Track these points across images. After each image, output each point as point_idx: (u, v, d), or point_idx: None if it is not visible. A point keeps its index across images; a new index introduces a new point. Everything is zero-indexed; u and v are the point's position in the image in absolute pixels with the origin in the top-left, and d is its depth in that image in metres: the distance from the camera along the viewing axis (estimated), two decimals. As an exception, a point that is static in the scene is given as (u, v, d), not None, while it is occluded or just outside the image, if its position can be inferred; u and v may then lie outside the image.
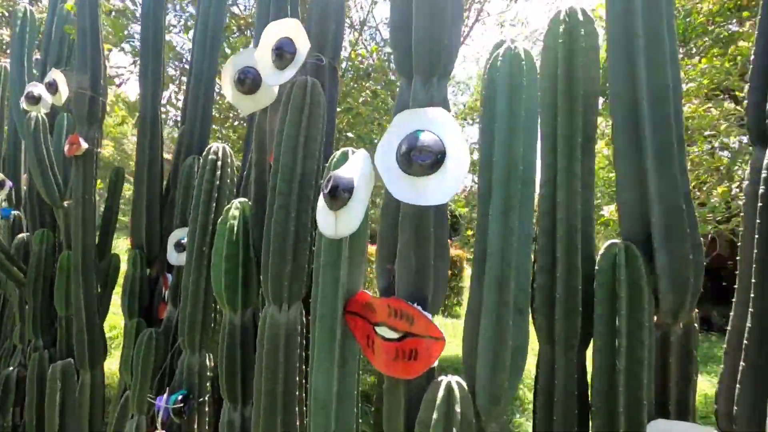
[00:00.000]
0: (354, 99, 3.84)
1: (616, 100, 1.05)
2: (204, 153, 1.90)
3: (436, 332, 0.94)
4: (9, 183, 3.14)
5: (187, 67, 4.41)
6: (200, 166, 1.91)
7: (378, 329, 1.06)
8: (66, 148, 2.57)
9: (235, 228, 1.55)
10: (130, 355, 2.49)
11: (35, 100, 2.53)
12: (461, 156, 0.83)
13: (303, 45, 1.25)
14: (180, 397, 1.71)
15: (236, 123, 4.94)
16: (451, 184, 0.83)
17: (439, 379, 0.97)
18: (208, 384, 1.82)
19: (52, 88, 2.41)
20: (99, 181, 4.47)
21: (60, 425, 2.66)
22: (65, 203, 2.84)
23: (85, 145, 2.53)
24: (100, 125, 2.72)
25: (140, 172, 2.53)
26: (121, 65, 4.07)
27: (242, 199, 1.62)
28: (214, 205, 1.86)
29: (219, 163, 1.88)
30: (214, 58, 2.58)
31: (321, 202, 0.99)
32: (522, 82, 1.01)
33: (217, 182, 1.87)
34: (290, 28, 1.27)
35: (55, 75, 2.41)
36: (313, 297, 1.16)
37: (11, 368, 3.18)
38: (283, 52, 1.27)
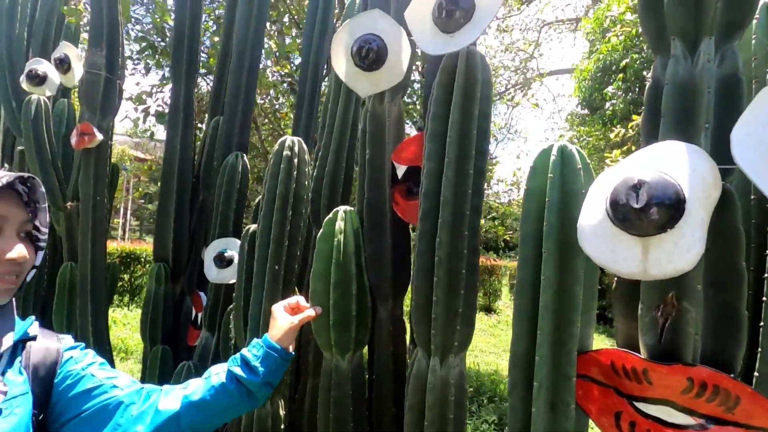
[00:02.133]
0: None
1: None
2: (277, 147, 1.49)
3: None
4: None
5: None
6: (271, 163, 1.50)
7: (643, 406, 0.71)
8: (74, 140, 2.08)
9: (343, 246, 1.16)
10: (153, 391, 2.03)
11: (39, 79, 2.02)
12: None
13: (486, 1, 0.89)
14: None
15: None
16: None
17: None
18: (282, 441, 1.41)
19: (63, 65, 1.92)
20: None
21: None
22: (68, 205, 2.34)
23: (100, 137, 2.05)
24: (115, 114, 2.24)
25: (169, 172, 2.06)
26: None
27: (347, 208, 1.23)
28: (291, 213, 1.46)
29: (295, 161, 1.48)
30: (260, 38, 2.16)
31: (598, 220, 0.63)
32: None
33: (294, 185, 1.47)
34: None
35: (67, 49, 1.92)
36: (517, 354, 0.79)
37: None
38: (453, 9, 0.91)
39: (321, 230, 1.20)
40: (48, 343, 0.82)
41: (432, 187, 0.95)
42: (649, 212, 0.57)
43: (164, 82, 3.51)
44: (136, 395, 0.83)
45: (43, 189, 0.77)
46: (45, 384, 0.78)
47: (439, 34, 0.93)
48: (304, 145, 1.52)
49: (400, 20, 1.21)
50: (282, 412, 1.43)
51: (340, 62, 1.15)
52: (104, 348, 2.23)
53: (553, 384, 0.77)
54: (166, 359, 2.05)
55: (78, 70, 1.94)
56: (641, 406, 0.71)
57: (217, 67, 2.36)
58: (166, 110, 3.66)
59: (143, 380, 2.09)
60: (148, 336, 2.08)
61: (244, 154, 2.04)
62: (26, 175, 0.74)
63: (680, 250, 0.57)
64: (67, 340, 0.86)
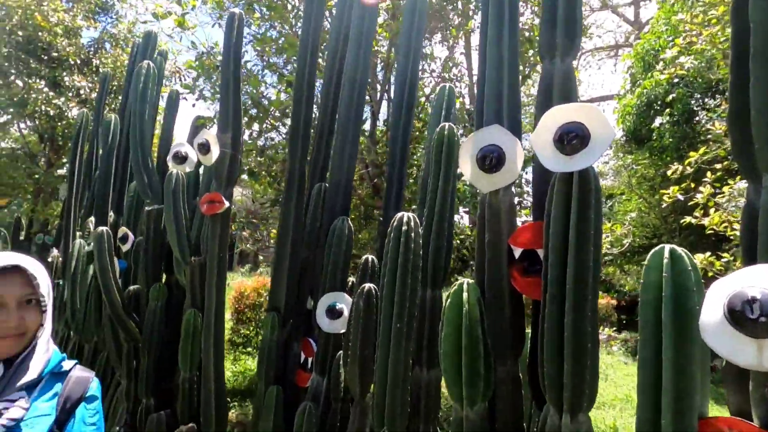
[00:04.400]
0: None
1: None
2: (394, 223, 1.77)
3: None
4: (132, 236, 3.06)
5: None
6: (390, 237, 1.78)
7: (758, 465, 0.89)
8: (204, 207, 2.48)
9: (470, 314, 1.40)
10: (269, 425, 2.30)
11: (182, 159, 2.46)
12: None
13: (601, 132, 1.15)
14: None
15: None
16: None
17: None
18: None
19: (204, 148, 2.33)
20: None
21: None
22: (192, 260, 2.73)
23: (227, 204, 2.44)
24: (235, 183, 2.64)
25: (284, 234, 2.41)
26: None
27: (470, 281, 1.48)
28: (410, 279, 1.73)
29: (412, 234, 1.76)
30: (359, 114, 2.52)
31: (717, 321, 0.84)
32: None
33: (411, 255, 1.74)
34: (580, 112, 1.17)
35: (207, 136, 2.34)
36: (642, 421, 1.00)
37: (118, 428, 2.98)
38: (572, 138, 1.17)
39: (449, 300, 1.45)
40: (81, 387, 1.10)
41: (556, 275, 1.18)
42: (761, 321, 0.78)
43: (254, 140, 3.96)
44: None
45: (40, 266, 1.07)
46: (67, 412, 1.07)
47: (559, 155, 1.19)
48: (417, 220, 1.80)
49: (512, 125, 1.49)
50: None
51: (466, 165, 1.43)
52: (220, 385, 2.55)
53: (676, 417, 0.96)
54: (279, 397, 2.33)
55: (215, 153, 2.35)
56: (756, 465, 0.89)
57: (315, 140, 2.73)
58: (257, 168, 4.13)
59: (259, 414, 2.37)
60: (264, 377, 2.38)
61: (348, 218, 2.35)
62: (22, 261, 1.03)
63: (789, 351, 0.77)
64: (94, 387, 1.13)
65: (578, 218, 1.17)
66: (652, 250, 1.06)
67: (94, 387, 1.13)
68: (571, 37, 1.48)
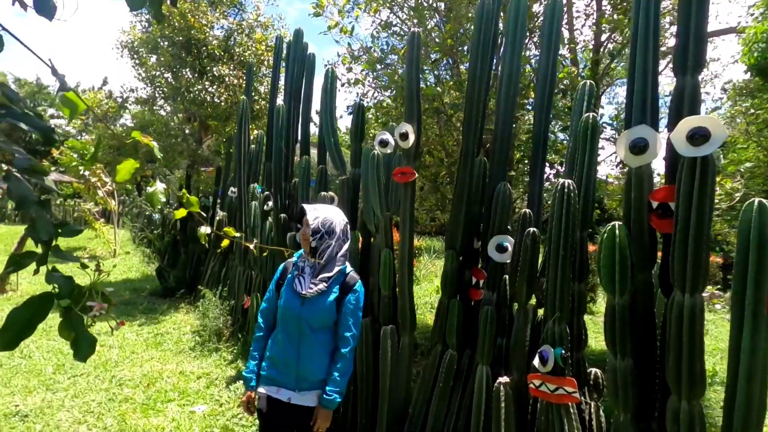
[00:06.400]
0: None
1: None
2: (557, 186, 2.69)
3: None
4: (336, 198, 4.29)
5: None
6: (555, 196, 2.70)
7: (799, 311, 1.74)
8: (398, 176, 3.56)
9: (620, 241, 2.30)
10: (454, 324, 3.42)
11: (385, 144, 3.54)
12: None
13: (718, 133, 1.94)
14: (563, 351, 2.54)
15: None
16: None
17: None
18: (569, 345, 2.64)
19: (404, 137, 3.38)
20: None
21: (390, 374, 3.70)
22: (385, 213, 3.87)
23: (415, 174, 3.49)
24: (419, 158, 3.68)
25: (460, 194, 3.43)
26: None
27: (619, 223, 2.37)
28: (571, 225, 2.65)
29: (572, 194, 2.67)
30: (513, 105, 3.40)
31: None
32: None
33: (572, 209, 2.66)
34: (706, 121, 1.97)
35: (407, 127, 3.38)
36: (737, 291, 1.87)
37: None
38: (699, 136, 1.97)
39: (605, 234, 2.36)
40: (353, 281, 2.27)
41: (685, 216, 2.05)
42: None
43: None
44: (341, 332, 2.19)
45: (316, 209, 2.26)
46: (343, 293, 2.23)
47: (689, 146, 2.02)
48: (574, 184, 2.69)
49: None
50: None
51: (622, 150, 2.29)
52: (411, 300, 3.71)
53: (755, 304, 1.82)
54: (459, 306, 3.42)
55: (411, 139, 3.38)
56: (799, 311, 1.74)
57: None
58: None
59: (446, 319, 3.49)
60: (446, 293, 3.49)
61: (507, 183, 3.28)
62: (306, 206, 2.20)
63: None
64: (359, 284, 2.21)
65: (700, 184, 2.01)
66: (746, 202, 1.88)
67: (359, 284, 2.29)
68: (698, 59, 2.23)
